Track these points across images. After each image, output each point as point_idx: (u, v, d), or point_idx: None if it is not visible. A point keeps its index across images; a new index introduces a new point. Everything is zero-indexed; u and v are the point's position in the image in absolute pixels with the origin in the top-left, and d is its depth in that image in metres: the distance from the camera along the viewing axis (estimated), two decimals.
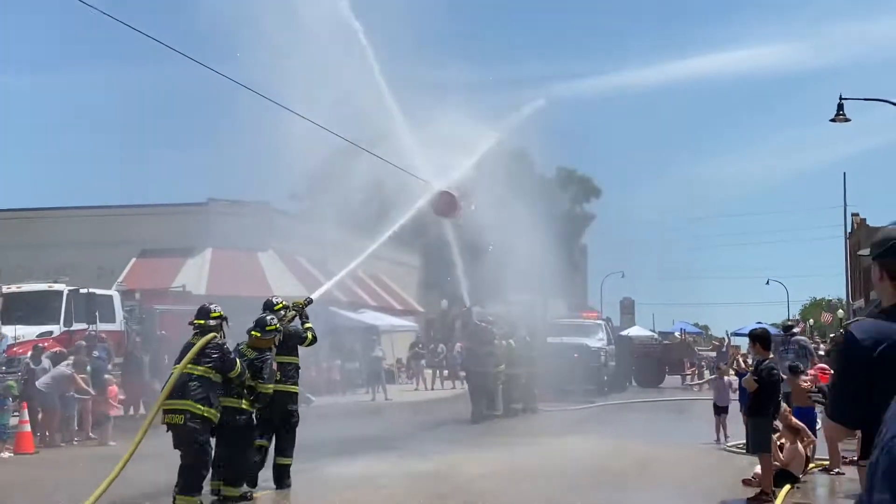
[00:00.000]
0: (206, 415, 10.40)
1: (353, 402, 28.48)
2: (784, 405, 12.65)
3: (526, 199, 25.67)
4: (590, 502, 11.42)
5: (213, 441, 10.72)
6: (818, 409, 13.36)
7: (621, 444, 16.68)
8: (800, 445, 12.27)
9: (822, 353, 23.71)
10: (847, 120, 25.80)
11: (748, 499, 11.14)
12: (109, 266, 31.53)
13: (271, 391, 11.54)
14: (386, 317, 37.94)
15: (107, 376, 19.01)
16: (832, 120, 25.92)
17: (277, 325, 11.84)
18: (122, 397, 20.58)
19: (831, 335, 35.60)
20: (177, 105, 34.70)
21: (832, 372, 4.56)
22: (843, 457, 12.76)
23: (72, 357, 18.29)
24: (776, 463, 11.79)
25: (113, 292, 24.42)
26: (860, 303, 54.79)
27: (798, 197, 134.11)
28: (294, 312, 12.83)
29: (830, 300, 77.13)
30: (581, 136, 56.34)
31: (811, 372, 15.45)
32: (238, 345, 11.62)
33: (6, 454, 15.99)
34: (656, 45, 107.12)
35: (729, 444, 16.33)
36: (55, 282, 22.94)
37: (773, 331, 35.43)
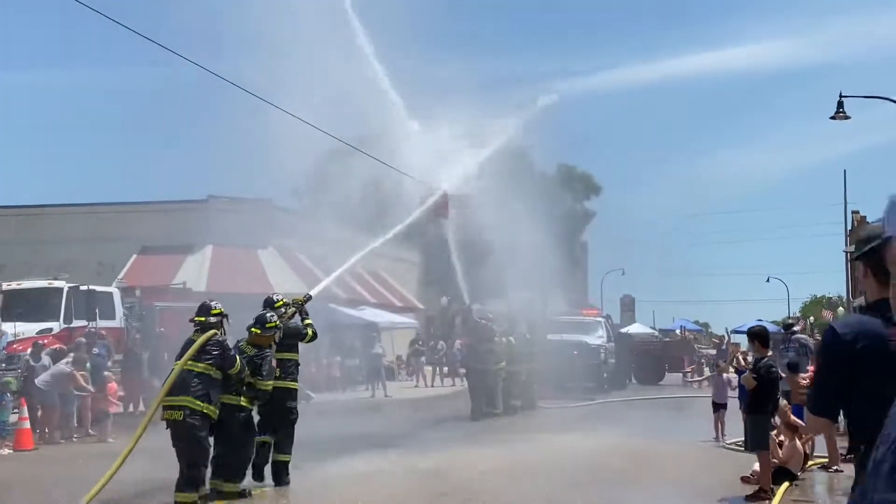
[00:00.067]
0: (205, 411, 10.46)
1: (352, 398, 28.48)
2: (784, 402, 12.66)
3: (526, 196, 25.68)
4: (589, 499, 11.43)
5: (211, 439, 10.75)
6: None
7: (620, 441, 16.69)
8: (798, 443, 12.27)
9: None
10: (847, 117, 25.76)
11: (747, 496, 11.15)
12: (110, 263, 31.53)
13: (270, 388, 11.57)
14: (386, 314, 37.93)
15: (106, 373, 19.02)
16: (832, 117, 25.88)
17: (277, 323, 11.87)
18: (121, 394, 20.57)
19: None
20: (177, 102, 34.66)
21: (815, 367, 4.61)
22: (842, 454, 12.77)
23: (71, 354, 18.29)
24: (775, 460, 11.80)
25: (113, 289, 24.43)
26: (861, 300, 54.77)
27: (798, 194, 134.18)
28: (294, 309, 12.84)
29: (831, 297, 77.04)
30: (581, 133, 56.31)
31: (811, 369, 15.44)
32: (238, 342, 11.65)
33: (6, 451, 16.00)
34: (656, 42, 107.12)
35: (728, 442, 16.34)
36: (55, 279, 22.94)
37: (773, 328, 35.48)
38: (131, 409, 21.27)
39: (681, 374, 39.54)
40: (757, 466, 11.54)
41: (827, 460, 13.22)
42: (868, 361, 3.79)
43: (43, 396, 17.41)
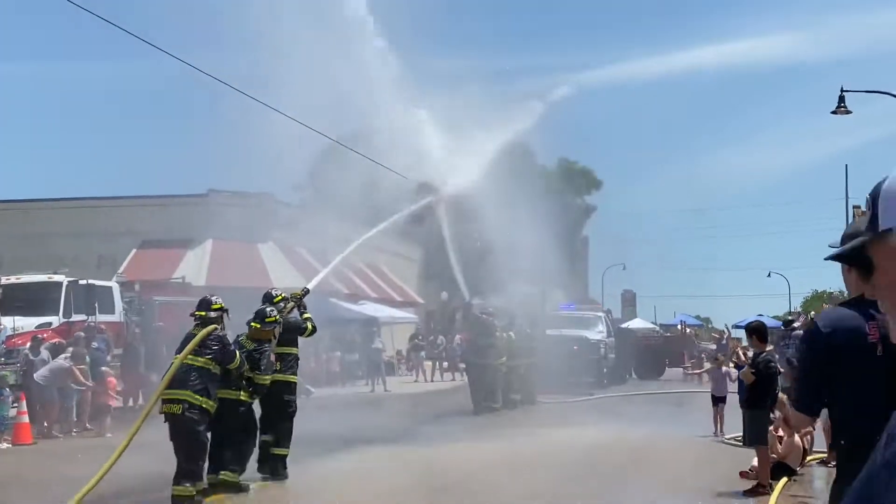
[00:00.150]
0: (204, 406, 10.49)
1: (352, 393, 28.49)
2: (783, 396, 12.62)
3: (527, 191, 25.68)
4: (588, 494, 11.43)
5: (209, 434, 10.75)
6: None
7: (619, 436, 16.68)
8: (797, 438, 12.25)
9: None
10: (848, 112, 25.70)
11: (745, 491, 11.15)
12: (110, 257, 31.52)
13: (268, 382, 11.60)
14: (386, 308, 37.91)
15: (105, 368, 19.01)
16: (833, 112, 25.82)
17: (277, 317, 11.91)
18: (120, 388, 20.57)
19: None
20: (177, 98, 34.65)
21: (798, 362, 4.62)
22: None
23: (70, 349, 18.28)
24: (773, 455, 11.78)
25: (112, 283, 24.40)
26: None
27: (800, 189, 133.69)
28: (293, 304, 12.85)
29: (832, 293, 77.00)
30: (583, 127, 56.33)
31: None
32: (238, 336, 11.67)
33: (4, 445, 16.02)
34: (656, 37, 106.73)
35: (727, 437, 16.33)
36: (54, 273, 22.91)
37: (774, 324, 35.41)
38: (131, 403, 21.26)
39: (681, 370, 39.49)
40: (755, 461, 11.52)
41: (826, 455, 13.20)
42: (847, 355, 3.79)
43: (41, 391, 17.41)
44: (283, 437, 12.16)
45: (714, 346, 41.79)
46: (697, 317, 67.53)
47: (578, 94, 28.69)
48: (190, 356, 10.60)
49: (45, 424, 17.51)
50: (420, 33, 23.19)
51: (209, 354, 10.66)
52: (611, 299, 63.55)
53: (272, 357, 11.75)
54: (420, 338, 38.08)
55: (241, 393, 11.29)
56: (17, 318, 20.94)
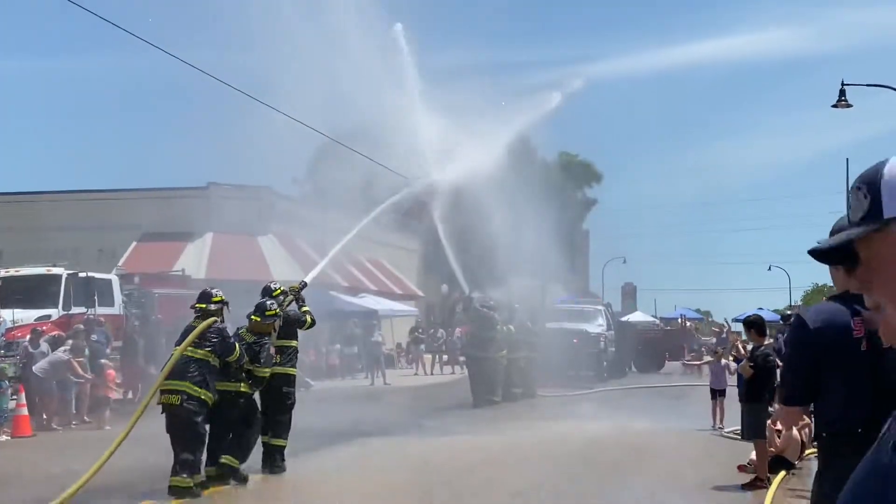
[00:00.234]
0: (202, 397, 10.56)
1: (352, 386, 28.50)
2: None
3: (528, 184, 25.67)
4: (587, 487, 11.44)
5: (207, 426, 10.76)
6: None
7: (619, 429, 16.70)
8: (795, 431, 12.25)
9: None
10: (849, 106, 25.65)
11: (743, 485, 11.15)
12: (110, 249, 31.50)
13: (267, 375, 11.64)
14: (386, 301, 37.93)
15: (104, 360, 19.01)
16: (834, 106, 25.77)
17: (277, 311, 11.94)
18: (119, 381, 20.58)
19: None
20: (178, 92, 34.68)
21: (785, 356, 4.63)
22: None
23: (69, 341, 18.28)
24: (771, 449, 11.78)
25: (112, 276, 24.38)
26: None
27: (800, 183, 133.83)
28: (292, 297, 12.86)
29: (832, 286, 77.03)
30: (583, 120, 56.30)
31: None
32: (238, 329, 11.70)
33: (3, 437, 16.03)
34: (656, 30, 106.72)
35: (725, 431, 16.33)
36: (54, 265, 22.89)
37: (774, 317, 35.34)
38: (130, 396, 21.27)
39: (681, 363, 39.51)
40: (754, 455, 11.52)
41: None
42: (832, 350, 3.80)
43: (40, 384, 17.42)
44: (282, 429, 12.17)
45: (714, 340, 41.84)
46: (698, 310, 67.64)
47: (580, 87, 28.51)
48: (189, 348, 10.65)
49: (45, 417, 17.52)
50: (418, 30, 23.20)
51: (209, 347, 10.73)
52: (611, 292, 63.67)
53: (272, 350, 11.79)
54: (420, 331, 38.10)
55: (242, 385, 11.32)
56: (16, 310, 20.94)
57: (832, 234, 3.63)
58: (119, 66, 49.18)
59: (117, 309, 23.55)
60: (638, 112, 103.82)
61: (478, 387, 22.76)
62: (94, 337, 19.66)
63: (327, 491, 11.44)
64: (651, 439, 15.57)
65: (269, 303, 11.92)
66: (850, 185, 1.57)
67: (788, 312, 22.89)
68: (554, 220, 29.03)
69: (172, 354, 10.86)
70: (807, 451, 12.93)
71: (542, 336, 26.06)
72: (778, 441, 12.09)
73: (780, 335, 17.64)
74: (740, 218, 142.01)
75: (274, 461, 12.03)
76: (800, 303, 64.90)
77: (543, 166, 36.88)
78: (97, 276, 23.27)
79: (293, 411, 12.42)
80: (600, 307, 35.17)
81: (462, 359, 29.93)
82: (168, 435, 10.51)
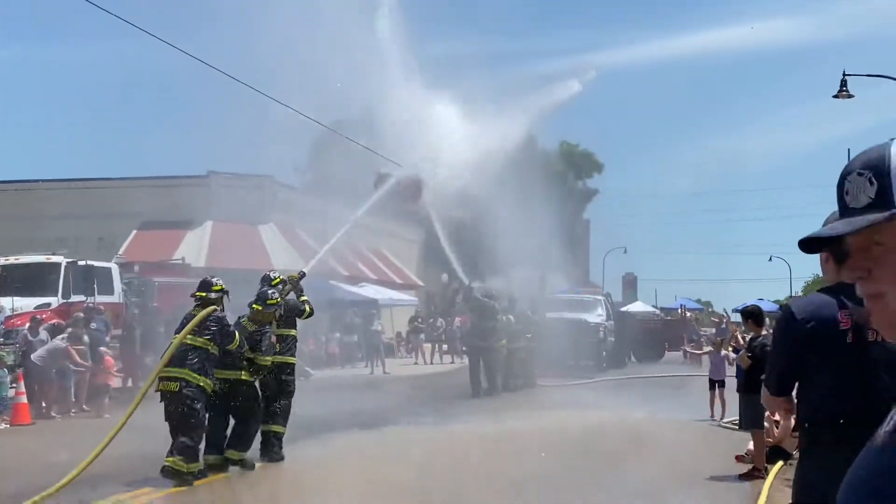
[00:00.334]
0: (201, 384, 10.62)
1: (351, 375, 28.52)
2: None
3: (528, 174, 25.62)
4: (586, 476, 11.46)
5: (206, 413, 10.79)
6: None
7: (618, 419, 16.72)
8: (793, 422, 12.24)
9: None
10: (850, 96, 25.57)
11: (740, 475, 11.16)
12: (110, 238, 31.50)
13: (269, 363, 11.70)
14: (386, 290, 37.94)
15: (103, 349, 19.03)
16: (835, 96, 25.69)
17: (278, 300, 11.97)
18: (118, 369, 20.59)
19: None
20: (178, 80, 34.58)
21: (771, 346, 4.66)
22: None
23: (68, 329, 18.29)
24: (769, 439, 11.77)
25: (111, 264, 24.39)
26: None
27: (801, 173, 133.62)
28: (290, 286, 12.89)
29: None
30: (584, 110, 56.19)
31: None
32: (239, 318, 11.73)
33: (2, 425, 16.05)
34: (658, 20, 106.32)
35: (724, 421, 16.35)
36: (53, 254, 22.89)
37: (774, 307, 35.29)
38: (129, 384, 21.28)
39: (682, 351, 39.52)
40: (751, 445, 11.52)
41: None
42: (818, 342, 3.82)
43: (39, 372, 17.43)
44: (280, 416, 12.20)
45: (714, 331, 41.85)
46: (698, 301, 67.58)
47: (593, 76, 28.30)
48: (189, 336, 10.70)
49: (44, 405, 17.54)
50: (415, 21, 23.14)
51: (208, 335, 10.76)
52: (612, 282, 63.62)
53: (273, 339, 11.83)
54: (420, 320, 38.13)
55: (243, 373, 11.37)
56: (15, 298, 20.95)
57: (825, 225, 3.63)
58: (118, 54, 49.12)
59: (117, 297, 23.56)
60: (639, 102, 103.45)
61: (477, 376, 22.77)
62: (93, 325, 19.67)
63: (325, 479, 11.46)
64: (650, 429, 15.59)
65: (270, 292, 11.96)
66: (845, 170, 1.52)
67: (787, 303, 22.84)
68: (555, 210, 29.00)
69: (172, 342, 10.90)
70: None
71: (543, 326, 26.07)
72: (776, 431, 12.08)
73: None
74: (741, 208, 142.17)
75: (272, 448, 12.05)
76: (800, 293, 64.96)
77: (544, 156, 36.82)
78: (97, 264, 23.27)
79: (292, 399, 12.47)
80: (600, 297, 35.16)
81: (462, 348, 29.93)
82: (167, 423, 10.53)
